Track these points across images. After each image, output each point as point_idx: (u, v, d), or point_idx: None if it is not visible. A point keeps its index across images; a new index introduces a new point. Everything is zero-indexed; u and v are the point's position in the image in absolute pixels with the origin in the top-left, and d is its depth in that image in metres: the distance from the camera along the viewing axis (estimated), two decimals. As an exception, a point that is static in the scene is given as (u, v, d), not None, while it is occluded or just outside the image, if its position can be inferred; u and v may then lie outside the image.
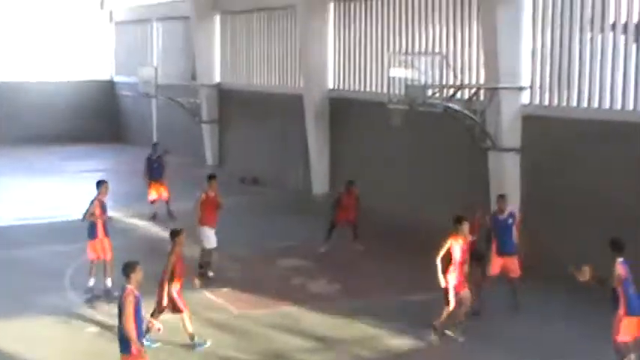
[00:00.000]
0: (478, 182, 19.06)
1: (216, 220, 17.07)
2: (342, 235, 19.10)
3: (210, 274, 16.76)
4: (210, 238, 16.87)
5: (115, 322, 14.03)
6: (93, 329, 13.99)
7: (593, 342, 12.83)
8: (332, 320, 14.57)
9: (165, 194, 23.05)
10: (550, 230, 17.63)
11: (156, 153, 23.54)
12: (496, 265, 14.79)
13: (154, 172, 23.06)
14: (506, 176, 18.68)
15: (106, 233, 15.96)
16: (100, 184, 16.28)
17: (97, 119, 41.33)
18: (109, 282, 15.68)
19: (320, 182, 26.42)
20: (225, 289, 15.78)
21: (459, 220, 13.13)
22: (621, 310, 11.51)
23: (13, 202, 25.34)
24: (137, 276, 10.50)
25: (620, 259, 11.60)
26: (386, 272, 17.63)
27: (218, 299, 15.56)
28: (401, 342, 13.53)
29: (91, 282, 15.83)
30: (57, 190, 27.41)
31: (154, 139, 37.57)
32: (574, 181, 17.36)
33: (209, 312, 14.77)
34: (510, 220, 14.83)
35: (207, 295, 15.78)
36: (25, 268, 17.83)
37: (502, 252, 14.78)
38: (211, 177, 17.60)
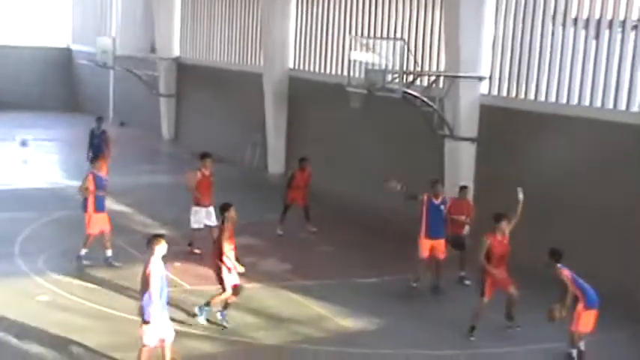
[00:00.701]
0: (433, 169, 19.21)
1: (210, 199, 16.84)
2: (295, 216, 19.12)
3: (197, 251, 16.75)
4: (199, 218, 16.75)
5: (64, 292, 14.14)
6: (44, 298, 13.86)
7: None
8: (282, 299, 14.61)
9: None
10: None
11: (100, 128, 22.72)
12: (425, 247, 15.07)
13: (95, 147, 22.14)
14: (461, 164, 18.88)
15: (97, 209, 15.70)
16: (95, 158, 16.20)
17: (53, 87, 40.79)
18: (108, 252, 15.78)
19: (276, 162, 26.42)
20: (177, 264, 15.71)
21: (497, 218, 13.04)
22: (580, 305, 11.82)
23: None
24: (161, 248, 10.75)
25: (559, 265, 11.91)
26: (337, 254, 17.72)
27: (169, 273, 15.47)
28: (350, 323, 13.62)
29: (82, 251, 15.75)
30: (8, 158, 27.03)
31: (110, 111, 37.34)
32: (527, 172, 17.59)
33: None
34: (442, 206, 15.07)
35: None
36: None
37: (432, 235, 15.03)
38: (205, 155, 17.16)
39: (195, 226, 16.88)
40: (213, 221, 16.53)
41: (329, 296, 14.65)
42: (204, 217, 16.81)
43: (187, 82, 32.48)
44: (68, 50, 42.59)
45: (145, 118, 34.39)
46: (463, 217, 15.64)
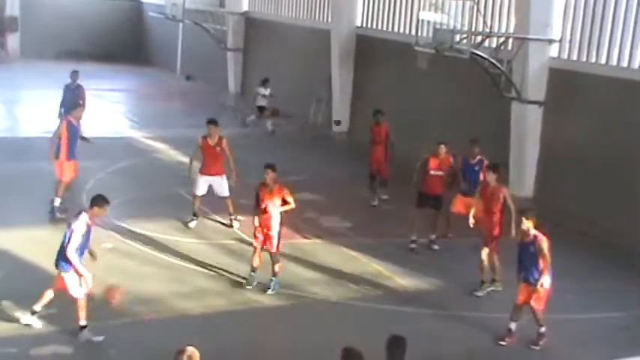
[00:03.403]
0: (499, 131, 19.05)
1: (210, 169, 15.60)
2: (363, 176, 18.98)
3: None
4: (197, 184, 15.66)
5: (128, 239, 14.45)
6: (108, 245, 14.15)
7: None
8: (342, 256, 14.70)
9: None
10: (565, 184, 17.70)
11: (75, 82, 20.60)
12: (459, 203, 15.31)
13: (67, 103, 19.98)
14: (528, 127, 18.66)
15: (69, 157, 15.50)
16: (75, 107, 16.02)
17: (124, 39, 41.21)
18: (56, 201, 15.54)
19: (340, 119, 26.38)
20: (240, 217, 15.90)
21: None
22: None
23: (39, 115, 25.52)
24: (100, 212, 10.79)
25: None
26: (399, 213, 17.67)
27: (233, 227, 15.70)
28: (407, 282, 13.68)
29: (56, 201, 15.55)
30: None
31: (178, 64, 37.63)
32: (595, 137, 17.32)
33: (223, 239, 14.95)
34: (477, 167, 15.04)
35: (223, 221, 15.97)
36: (47, 179, 18.04)
37: (466, 193, 15.17)
38: (210, 122, 15.66)
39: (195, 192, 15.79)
40: (223, 192, 15.69)
41: (389, 255, 14.71)
42: (203, 185, 15.64)
43: (255, 36, 32.55)
44: (139, 2, 42.94)
45: (211, 72, 34.61)
46: (440, 173, 15.18)
